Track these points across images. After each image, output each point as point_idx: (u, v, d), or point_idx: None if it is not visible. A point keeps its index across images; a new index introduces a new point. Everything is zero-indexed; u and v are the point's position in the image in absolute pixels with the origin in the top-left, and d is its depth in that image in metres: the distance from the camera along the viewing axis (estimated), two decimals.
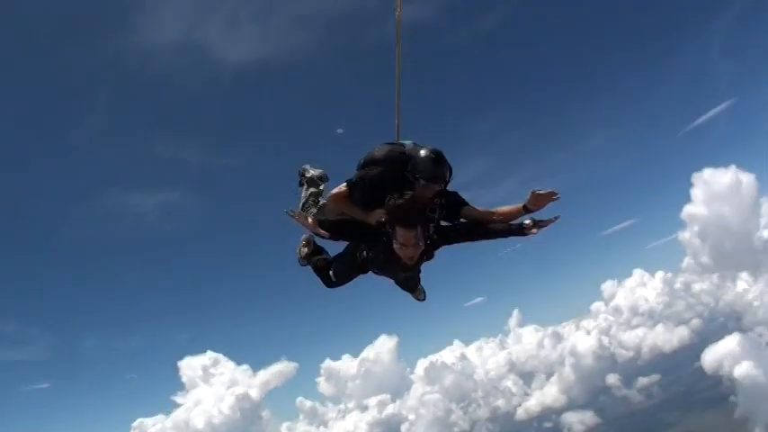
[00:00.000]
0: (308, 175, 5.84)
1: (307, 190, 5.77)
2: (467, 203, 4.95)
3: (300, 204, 5.65)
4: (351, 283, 5.43)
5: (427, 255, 4.88)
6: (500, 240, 4.79)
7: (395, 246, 4.48)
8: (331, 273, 5.45)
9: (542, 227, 4.65)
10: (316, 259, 5.59)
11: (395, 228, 4.38)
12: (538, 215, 4.66)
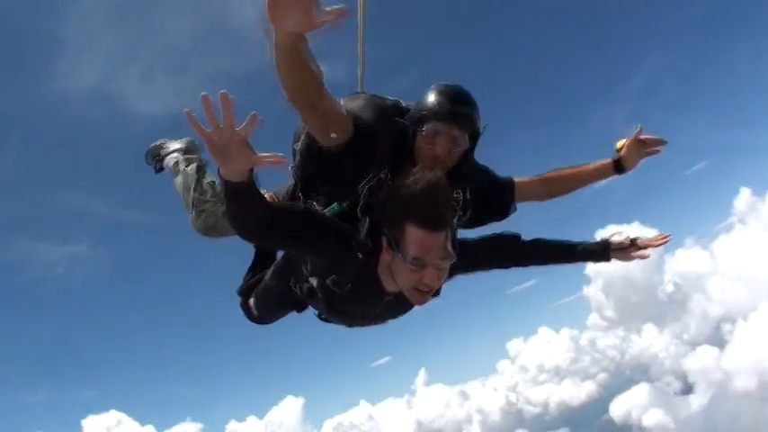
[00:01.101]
0: (169, 152, 3.49)
1: (184, 174, 3.34)
2: (512, 180, 3.02)
3: (188, 205, 3.20)
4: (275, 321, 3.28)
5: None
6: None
7: (387, 266, 2.24)
8: (251, 301, 3.09)
9: (649, 247, 2.86)
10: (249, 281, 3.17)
11: (398, 227, 2.10)
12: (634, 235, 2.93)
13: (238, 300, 3.11)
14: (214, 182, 3.21)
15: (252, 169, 1.81)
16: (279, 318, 3.13)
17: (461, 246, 2.33)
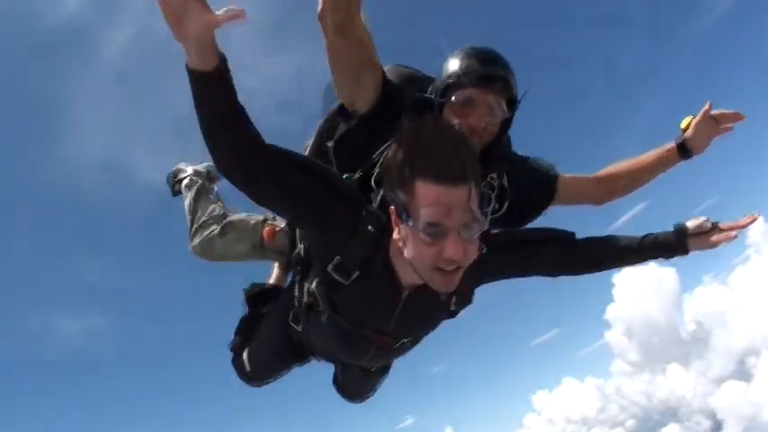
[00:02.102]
0: (185, 175, 3.26)
1: (194, 200, 3.15)
2: (556, 172, 2.52)
3: (190, 226, 3.01)
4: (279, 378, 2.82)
5: (463, 293, 2.06)
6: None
7: (400, 245, 1.72)
8: (245, 357, 2.75)
9: (734, 229, 2.22)
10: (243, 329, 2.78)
11: (406, 186, 1.59)
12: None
13: (230, 356, 2.79)
14: (221, 203, 3.05)
15: (222, 60, 1.47)
16: (277, 374, 2.74)
17: (501, 234, 2.04)
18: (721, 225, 2.22)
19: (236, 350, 2.77)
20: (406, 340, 2.19)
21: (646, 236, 2.23)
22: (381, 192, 1.88)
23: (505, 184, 2.20)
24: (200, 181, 3.22)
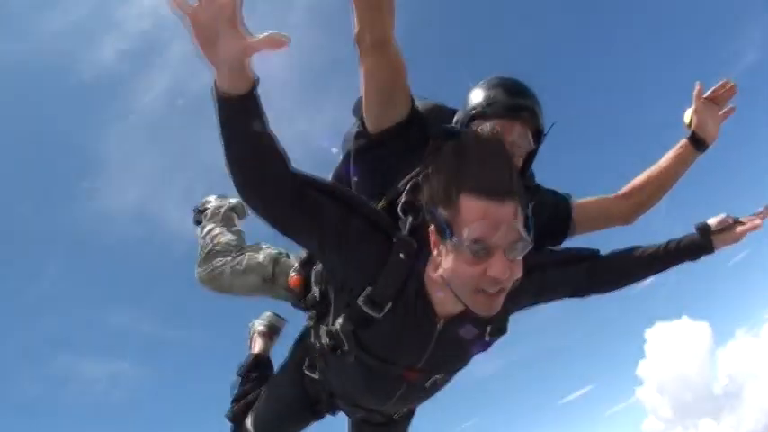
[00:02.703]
0: (210, 206, 3.12)
1: (210, 228, 2.97)
2: (569, 196, 2.44)
3: (200, 251, 2.85)
4: None
5: (499, 321, 1.96)
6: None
7: (437, 267, 1.62)
8: (249, 425, 2.55)
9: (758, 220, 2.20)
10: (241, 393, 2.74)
11: (450, 202, 1.51)
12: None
13: (230, 427, 2.54)
14: (240, 237, 2.84)
15: (254, 83, 1.35)
16: None
17: (528, 256, 1.59)
18: (743, 219, 2.18)
19: (237, 419, 2.58)
20: (438, 377, 2.06)
21: (670, 241, 2.18)
22: (410, 219, 1.74)
23: (530, 214, 1.86)
24: (222, 212, 3.03)
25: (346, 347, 1.87)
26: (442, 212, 1.51)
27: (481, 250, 1.46)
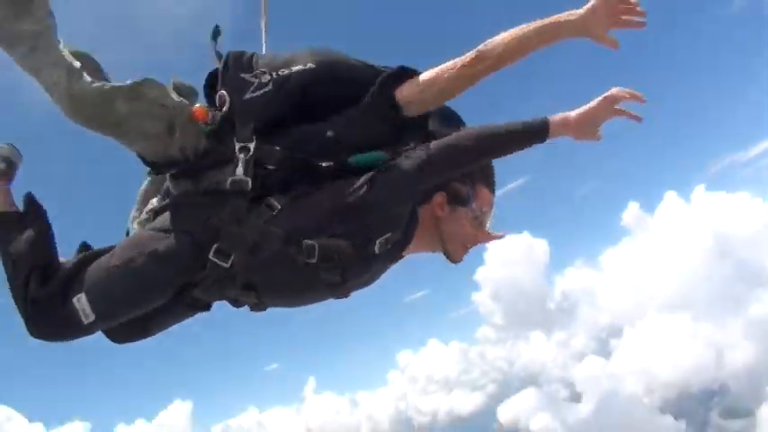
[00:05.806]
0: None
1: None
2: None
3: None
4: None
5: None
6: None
7: (434, 222, 2.26)
8: (81, 299, 1.81)
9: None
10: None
11: (472, 183, 2.28)
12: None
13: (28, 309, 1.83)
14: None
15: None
16: (148, 303, 1.92)
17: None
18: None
19: (55, 293, 1.87)
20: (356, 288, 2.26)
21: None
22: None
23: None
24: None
25: (335, 262, 1.96)
26: (465, 186, 2.26)
27: (480, 221, 2.28)
